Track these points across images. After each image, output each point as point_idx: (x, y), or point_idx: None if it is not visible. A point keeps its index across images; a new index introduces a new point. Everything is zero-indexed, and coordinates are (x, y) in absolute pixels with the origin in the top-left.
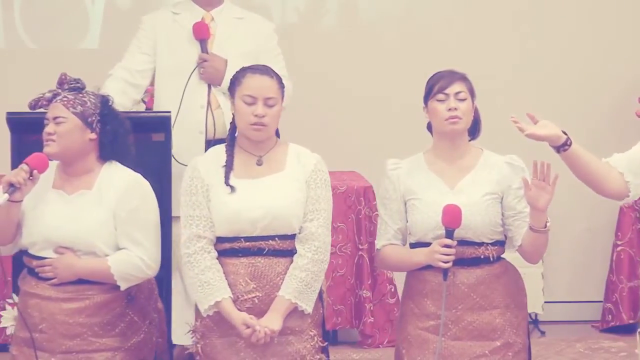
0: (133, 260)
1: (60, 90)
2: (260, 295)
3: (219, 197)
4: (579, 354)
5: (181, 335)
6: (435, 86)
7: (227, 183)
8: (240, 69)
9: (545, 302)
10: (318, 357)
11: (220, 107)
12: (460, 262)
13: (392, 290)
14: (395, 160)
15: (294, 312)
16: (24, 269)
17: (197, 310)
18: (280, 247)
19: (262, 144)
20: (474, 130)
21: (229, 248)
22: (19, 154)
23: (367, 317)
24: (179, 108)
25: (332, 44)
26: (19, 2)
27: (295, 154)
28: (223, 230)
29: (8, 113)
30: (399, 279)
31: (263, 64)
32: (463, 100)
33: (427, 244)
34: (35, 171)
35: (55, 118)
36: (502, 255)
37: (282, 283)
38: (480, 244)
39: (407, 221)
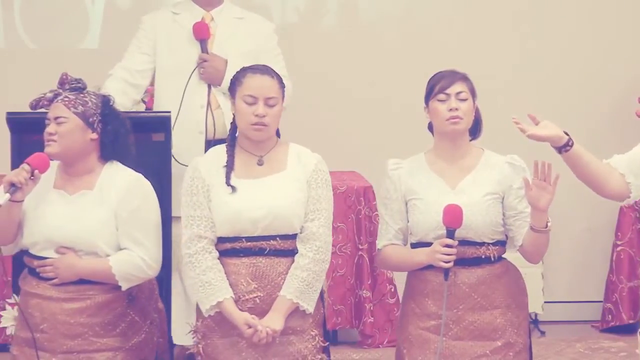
0: (134, 261)
1: (61, 90)
2: (262, 295)
3: (220, 197)
4: (579, 354)
5: (180, 335)
6: (436, 86)
7: (228, 183)
8: (241, 69)
9: (545, 302)
10: (319, 357)
11: (220, 107)
12: (461, 262)
13: (392, 290)
14: (396, 160)
15: (296, 312)
16: (24, 269)
17: (198, 311)
18: (282, 247)
19: (262, 144)
20: (475, 130)
21: (230, 248)
22: (19, 154)
23: (367, 317)
24: (179, 108)
25: (332, 44)
26: (19, 2)
27: (296, 154)
28: (224, 231)
29: (8, 113)
30: (399, 279)
31: (263, 64)
32: (464, 100)
33: (428, 244)
34: (36, 171)
35: (56, 118)
36: (503, 255)
37: (283, 283)
38: (481, 244)
39: (408, 221)
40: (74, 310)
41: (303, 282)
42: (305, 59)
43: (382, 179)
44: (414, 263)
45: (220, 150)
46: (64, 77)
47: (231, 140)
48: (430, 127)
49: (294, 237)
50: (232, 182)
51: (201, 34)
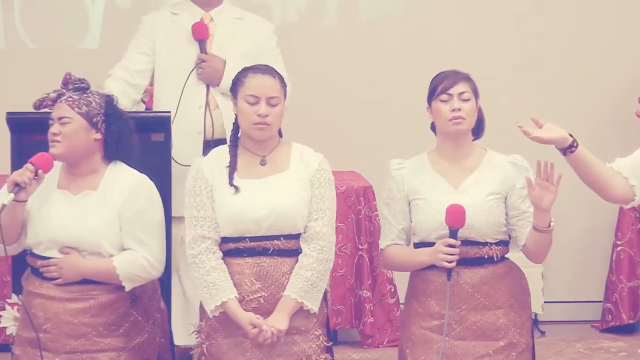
0: (139, 261)
1: (64, 90)
2: (266, 295)
3: (223, 197)
4: (578, 354)
5: (179, 335)
6: (438, 86)
7: (231, 183)
8: (242, 69)
9: (545, 302)
10: (323, 356)
11: (218, 108)
12: (464, 262)
13: (392, 290)
14: (399, 160)
15: (300, 311)
16: (27, 269)
17: (202, 311)
18: (285, 246)
19: (265, 143)
20: (478, 130)
21: (233, 248)
22: (19, 154)
23: (367, 317)
24: (177, 108)
25: (332, 44)
26: (19, 2)
27: (299, 154)
28: (228, 231)
29: (8, 113)
30: (399, 279)
31: (265, 64)
32: (467, 100)
33: (431, 244)
34: (40, 171)
35: (60, 118)
36: (506, 255)
37: (287, 283)
38: (484, 244)
39: (411, 221)
40: (77, 310)
41: (307, 281)
42: (305, 59)
43: (383, 179)
44: (416, 263)
45: (223, 150)
46: (68, 77)
47: (234, 141)
48: (433, 127)
49: (297, 236)
50: (235, 182)
51: (200, 34)
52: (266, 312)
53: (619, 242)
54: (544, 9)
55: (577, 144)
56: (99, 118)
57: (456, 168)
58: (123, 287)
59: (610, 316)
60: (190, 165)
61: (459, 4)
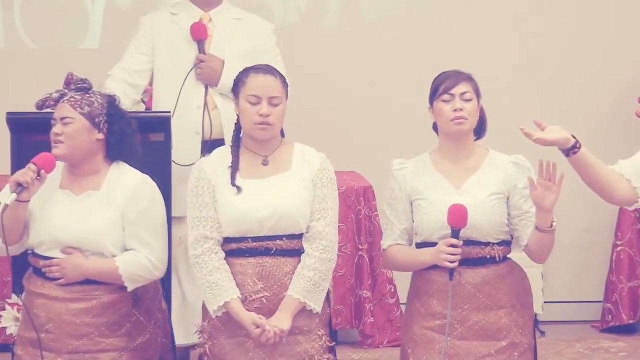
0: (141, 262)
1: (67, 91)
2: (268, 295)
3: (226, 197)
4: (578, 354)
5: (179, 336)
6: (440, 86)
7: (233, 183)
8: (244, 69)
9: (545, 302)
10: (326, 357)
11: (217, 108)
12: (466, 261)
13: (392, 290)
14: (401, 160)
15: (302, 311)
16: (28, 269)
17: (204, 311)
18: (288, 246)
19: (267, 143)
20: (480, 130)
21: (236, 248)
22: (19, 154)
23: (367, 317)
24: (175, 108)
25: (332, 44)
26: (19, 2)
27: (301, 153)
28: (230, 231)
29: (8, 113)
30: (399, 279)
31: (266, 64)
32: (469, 100)
33: (433, 244)
34: (42, 171)
35: (62, 118)
36: (508, 255)
37: (290, 283)
38: (486, 244)
39: (413, 221)
40: (79, 310)
41: (310, 281)
42: (306, 59)
43: (383, 179)
44: (419, 263)
45: (225, 150)
46: (70, 77)
47: (235, 141)
48: (435, 127)
49: (300, 236)
50: (237, 183)
51: (198, 34)
52: (269, 312)
53: (618, 242)
54: (544, 9)
55: (580, 145)
56: (101, 118)
57: (458, 168)
58: (125, 288)
59: (610, 316)
60: (188, 165)
61: (459, 4)
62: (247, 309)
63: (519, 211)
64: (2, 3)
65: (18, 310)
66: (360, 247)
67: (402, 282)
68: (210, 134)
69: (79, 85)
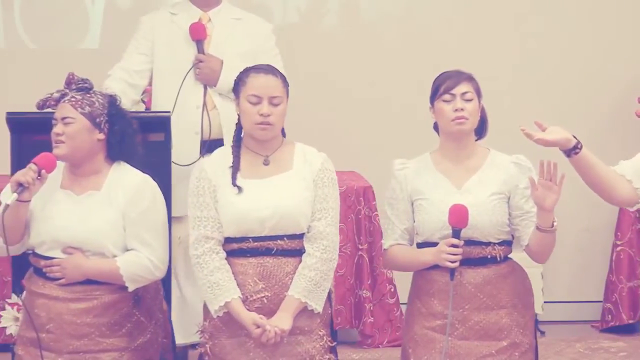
0: (142, 262)
1: (68, 91)
2: (269, 295)
3: (227, 197)
4: (578, 354)
5: (177, 335)
6: (441, 86)
7: (234, 184)
8: (244, 69)
9: (545, 302)
10: (327, 357)
11: (216, 108)
12: (467, 261)
13: (392, 290)
14: (402, 160)
15: (303, 311)
16: (29, 269)
17: (205, 311)
18: (289, 246)
19: (268, 143)
20: (481, 130)
21: (237, 248)
22: (19, 154)
23: (366, 317)
24: (174, 108)
25: (332, 44)
26: (19, 2)
27: (302, 153)
28: (231, 231)
29: (8, 113)
30: (399, 278)
31: (267, 64)
32: (469, 100)
33: (434, 244)
34: (43, 171)
35: (63, 118)
36: (509, 255)
37: (291, 283)
38: (487, 244)
39: (414, 221)
40: (80, 311)
41: (311, 281)
42: (306, 59)
43: (383, 179)
44: (420, 263)
45: (227, 150)
46: (71, 77)
47: (236, 141)
48: (436, 127)
49: (301, 236)
50: (238, 183)
51: (197, 34)
52: (270, 312)
53: (618, 242)
54: (544, 9)
55: (581, 146)
56: (102, 118)
57: (459, 168)
58: (126, 288)
59: (610, 316)
60: (187, 165)
61: (459, 4)
62: (248, 309)
63: (520, 211)
64: (2, 3)
65: (18, 310)
66: (360, 247)
67: (402, 282)
68: (209, 134)
69: (80, 85)
